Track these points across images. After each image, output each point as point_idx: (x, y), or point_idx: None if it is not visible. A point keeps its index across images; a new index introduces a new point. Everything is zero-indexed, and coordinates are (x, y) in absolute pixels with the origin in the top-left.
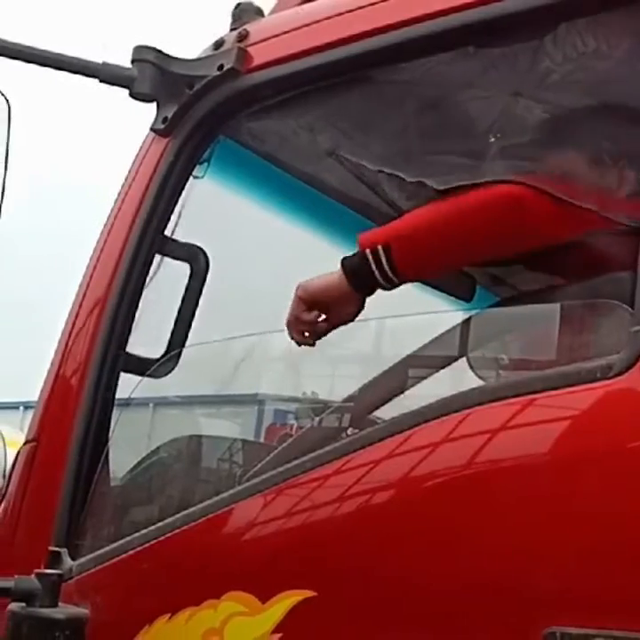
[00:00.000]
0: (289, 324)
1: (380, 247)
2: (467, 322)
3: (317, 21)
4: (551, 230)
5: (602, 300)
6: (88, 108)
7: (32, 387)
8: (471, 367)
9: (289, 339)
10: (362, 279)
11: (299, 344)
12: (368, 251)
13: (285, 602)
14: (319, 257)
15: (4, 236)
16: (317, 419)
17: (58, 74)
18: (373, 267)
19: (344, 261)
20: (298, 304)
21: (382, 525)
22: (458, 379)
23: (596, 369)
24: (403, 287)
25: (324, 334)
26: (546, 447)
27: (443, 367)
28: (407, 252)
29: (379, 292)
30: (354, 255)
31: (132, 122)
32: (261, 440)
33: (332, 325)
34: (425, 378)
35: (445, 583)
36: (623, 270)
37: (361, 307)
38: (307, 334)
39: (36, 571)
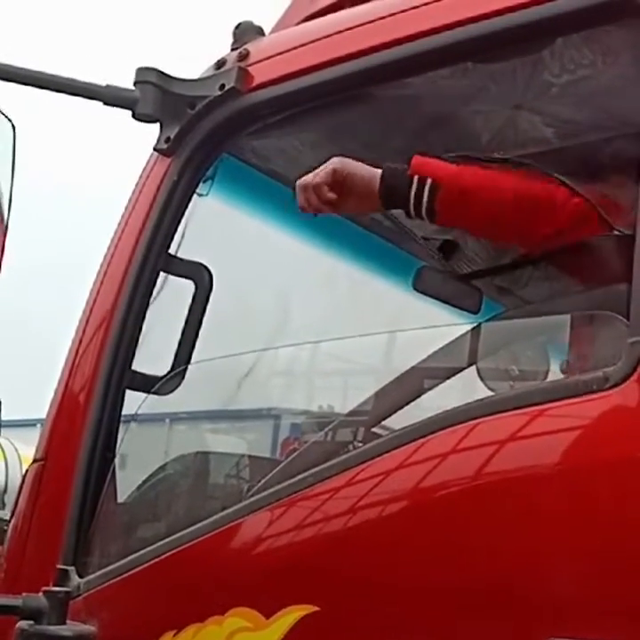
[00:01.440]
0: (304, 186)
1: (429, 181)
2: (466, 334)
3: (317, 40)
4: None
5: (598, 311)
6: (91, 122)
7: (48, 404)
8: (480, 377)
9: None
10: (394, 198)
11: (301, 209)
12: (416, 178)
13: (289, 617)
14: (323, 272)
15: (22, 258)
16: (322, 432)
17: (62, 97)
18: (412, 194)
19: (386, 172)
20: (326, 175)
21: (386, 539)
22: (458, 391)
23: (593, 381)
24: (410, 300)
25: (324, 213)
26: (545, 459)
27: (446, 379)
28: (450, 202)
29: (386, 304)
30: (397, 171)
31: (138, 135)
32: (277, 454)
33: (336, 209)
34: (428, 389)
35: (449, 596)
36: (620, 279)
37: (374, 212)
38: (311, 204)
39: (44, 588)
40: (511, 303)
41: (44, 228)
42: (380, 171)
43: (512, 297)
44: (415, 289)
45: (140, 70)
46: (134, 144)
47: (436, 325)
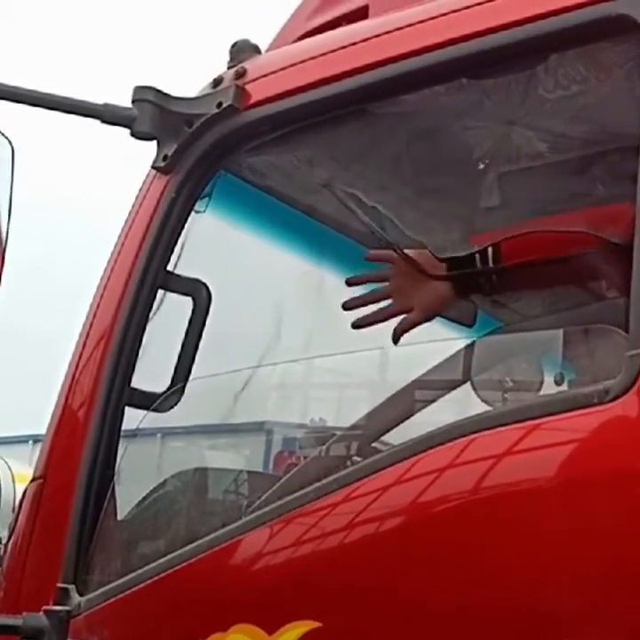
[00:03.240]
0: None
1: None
2: (467, 348)
3: (314, 58)
4: None
5: (597, 325)
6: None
7: (41, 420)
8: (475, 390)
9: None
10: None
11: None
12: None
13: (292, 633)
14: (320, 289)
15: (17, 271)
16: (322, 447)
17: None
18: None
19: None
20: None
21: (388, 554)
22: (458, 405)
23: (593, 394)
24: None
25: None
26: (545, 473)
27: (445, 394)
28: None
29: None
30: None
31: (135, 154)
32: (270, 469)
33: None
34: (427, 404)
35: (452, 610)
36: (617, 292)
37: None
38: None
39: (45, 607)
40: (506, 317)
41: (42, 241)
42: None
43: (507, 310)
44: None
45: (138, 89)
46: (133, 160)
47: (432, 340)
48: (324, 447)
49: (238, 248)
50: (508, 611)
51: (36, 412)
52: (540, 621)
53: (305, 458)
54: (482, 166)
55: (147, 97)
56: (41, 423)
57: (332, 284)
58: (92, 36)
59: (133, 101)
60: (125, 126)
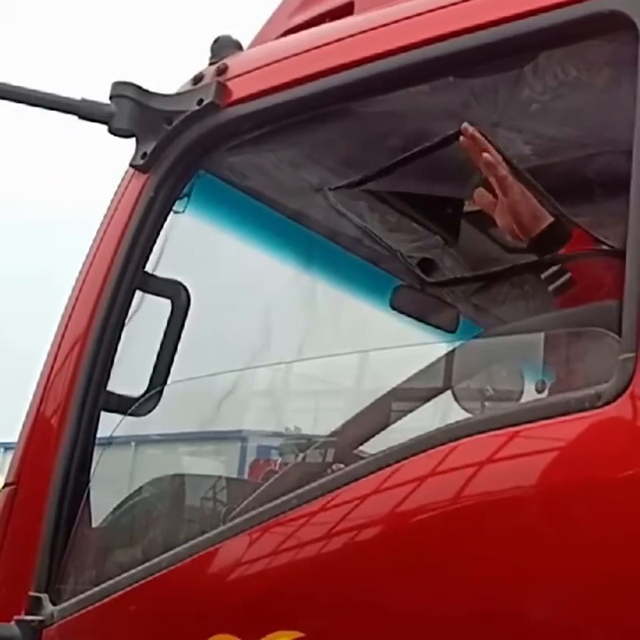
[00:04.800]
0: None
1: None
2: (452, 353)
3: (297, 55)
4: None
5: (588, 328)
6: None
7: (13, 428)
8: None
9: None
10: (540, 250)
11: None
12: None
13: None
14: (300, 291)
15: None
16: (302, 455)
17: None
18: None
19: (555, 227)
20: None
21: (372, 561)
22: (444, 411)
23: (585, 398)
24: (386, 318)
25: None
26: (537, 478)
27: (429, 399)
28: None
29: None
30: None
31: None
32: (245, 476)
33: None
34: (410, 411)
35: (434, 618)
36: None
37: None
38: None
39: (16, 617)
40: (488, 322)
41: (19, 243)
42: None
43: (489, 316)
44: (392, 308)
45: (117, 84)
46: (111, 158)
47: (409, 345)
48: (304, 454)
49: (218, 250)
50: (493, 618)
51: (8, 420)
52: (524, 629)
53: (284, 465)
54: (465, 167)
55: (125, 93)
56: (13, 431)
57: (314, 287)
58: (72, 30)
59: (111, 97)
60: (103, 123)
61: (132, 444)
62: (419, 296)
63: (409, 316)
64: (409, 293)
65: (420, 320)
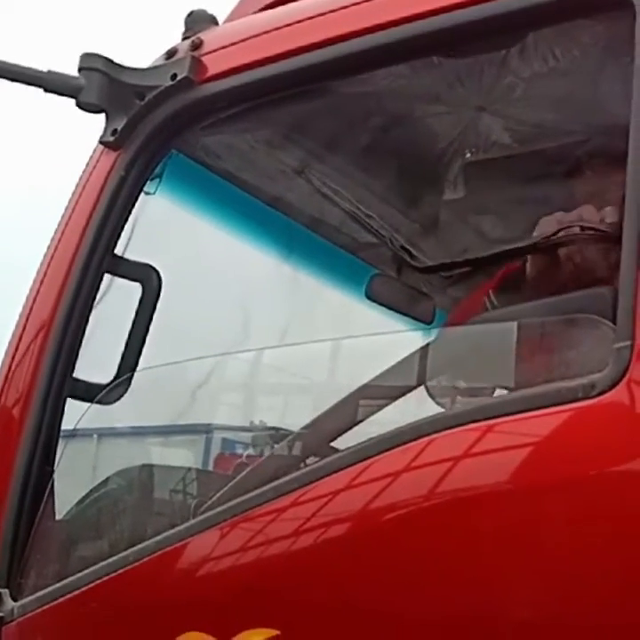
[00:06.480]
0: None
1: None
2: (436, 342)
3: (275, 30)
4: None
5: (582, 315)
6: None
7: None
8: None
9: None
10: None
11: None
12: None
13: None
14: (276, 276)
15: None
16: (276, 447)
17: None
18: None
19: None
20: None
21: (347, 558)
22: (430, 401)
23: (578, 388)
24: (361, 307)
25: None
26: (529, 470)
27: (412, 389)
28: None
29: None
30: None
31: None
32: (210, 469)
33: None
34: (394, 400)
35: (409, 618)
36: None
37: None
38: None
39: None
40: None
41: None
42: None
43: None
44: (368, 297)
45: (86, 56)
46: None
47: (379, 333)
48: (277, 447)
49: (190, 232)
50: (468, 616)
51: None
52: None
53: (253, 458)
54: (448, 152)
55: (95, 65)
56: None
57: (289, 274)
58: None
59: (80, 69)
60: (70, 96)
61: (95, 436)
62: (395, 286)
63: (385, 305)
64: (385, 282)
65: (396, 310)
